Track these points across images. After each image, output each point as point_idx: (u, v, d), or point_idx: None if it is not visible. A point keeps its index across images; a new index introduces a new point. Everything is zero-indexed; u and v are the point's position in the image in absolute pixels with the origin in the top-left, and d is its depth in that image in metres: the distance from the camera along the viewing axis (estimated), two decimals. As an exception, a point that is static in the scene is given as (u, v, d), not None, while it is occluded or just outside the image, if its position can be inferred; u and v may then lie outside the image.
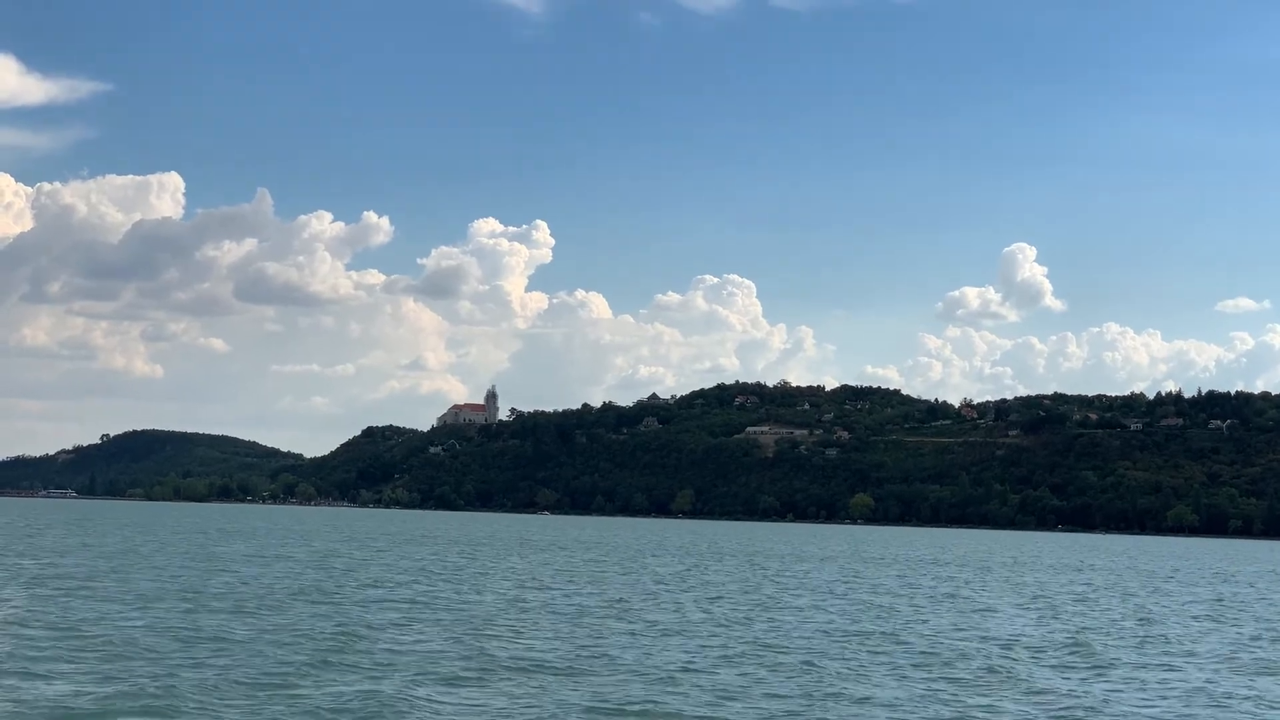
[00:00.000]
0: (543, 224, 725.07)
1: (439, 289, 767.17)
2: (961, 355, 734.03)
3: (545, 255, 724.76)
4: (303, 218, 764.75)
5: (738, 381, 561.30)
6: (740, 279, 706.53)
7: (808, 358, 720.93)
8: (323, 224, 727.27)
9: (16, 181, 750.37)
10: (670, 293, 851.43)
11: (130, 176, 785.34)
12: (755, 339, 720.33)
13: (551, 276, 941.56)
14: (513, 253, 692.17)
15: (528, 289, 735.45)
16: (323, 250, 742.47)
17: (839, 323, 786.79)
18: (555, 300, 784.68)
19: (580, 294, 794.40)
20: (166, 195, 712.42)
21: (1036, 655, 46.31)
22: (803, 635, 49.86)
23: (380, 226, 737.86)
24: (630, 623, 51.94)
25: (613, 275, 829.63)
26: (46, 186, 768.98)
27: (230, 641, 41.35)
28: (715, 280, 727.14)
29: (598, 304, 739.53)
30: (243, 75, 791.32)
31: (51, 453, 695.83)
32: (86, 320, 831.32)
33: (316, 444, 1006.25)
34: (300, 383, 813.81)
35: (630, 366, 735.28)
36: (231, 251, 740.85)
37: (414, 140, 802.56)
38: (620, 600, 63.55)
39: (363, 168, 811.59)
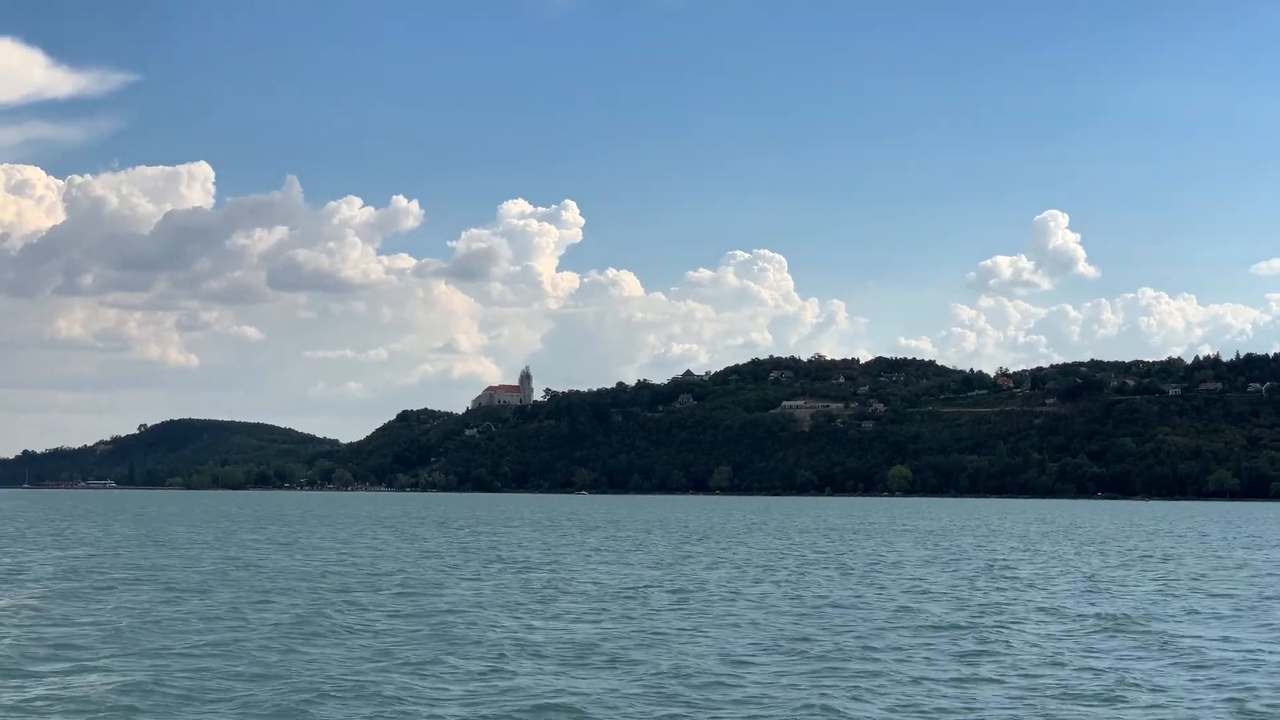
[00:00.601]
0: (572, 204, 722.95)
1: (470, 271, 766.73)
2: (995, 325, 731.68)
3: (575, 235, 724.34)
4: (332, 204, 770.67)
5: (772, 356, 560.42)
6: (771, 254, 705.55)
7: (840, 331, 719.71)
8: (352, 209, 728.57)
9: (47, 175, 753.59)
10: (701, 269, 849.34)
11: (160, 167, 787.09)
12: (787, 314, 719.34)
13: (582, 256, 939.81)
14: (543, 233, 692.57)
15: (558, 269, 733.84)
16: (353, 236, 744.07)
17: (871, 295, 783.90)
18: (586, 280, 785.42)
19: (611, 273, 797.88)
20: (196, 185, 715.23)
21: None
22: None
23: (410, 211, 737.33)
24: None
25: (643, 253, 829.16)
26: (77, 179, 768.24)
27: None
28: (746, 256, 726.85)
29: (629, 282, 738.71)
30: (269, 63, 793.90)
31: (90, 444, 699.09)
32: (120, 311, 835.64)
33: (351, 429, 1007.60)
34: (334, 369, 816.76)
35: (663, 344, 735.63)
36: (262, 239, 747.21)
37: (442, 124, 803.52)
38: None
39: (391, 152, 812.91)
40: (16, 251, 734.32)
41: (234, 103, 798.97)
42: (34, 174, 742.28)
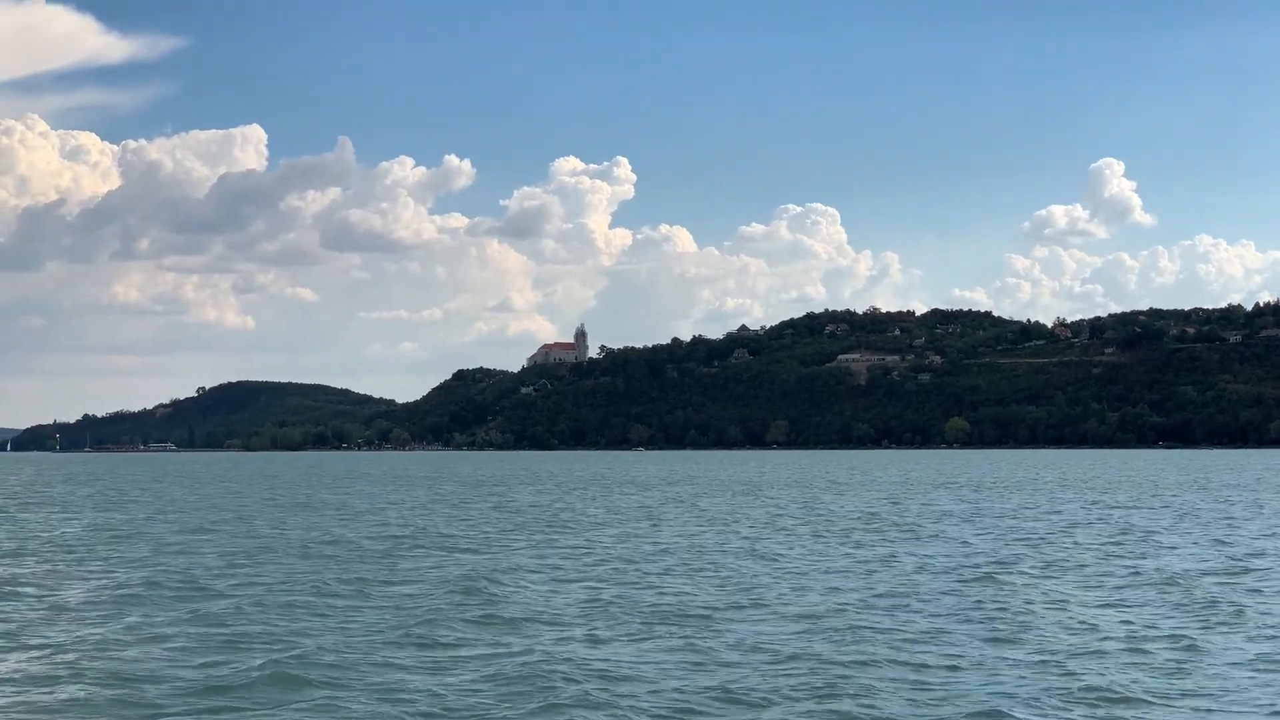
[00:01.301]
0: (624, 160, 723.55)
1: (522, 230, 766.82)
2: (1050, 275, 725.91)
3: (627, 191, 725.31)
4: (385, 164, 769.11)
5: (827, 310, 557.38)
6: (824, 207, 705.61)
7: (894, 283, 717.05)
8: (405, 170, 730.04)
9: (102, 140, 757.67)
10: (754, 224, 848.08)
11: (213, 131, 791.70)
12: (841, 266, 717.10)
13: (634, 212, 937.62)
14: (595, 190, 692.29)
15: (611, 226, 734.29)
16: (405, 196, 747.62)
17: (925, 247, 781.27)
18: (639, 236, 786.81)
19: (664, 229, 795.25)
20: (250, 148, 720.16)
21: None
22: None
23: (462, 170, 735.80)
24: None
25: (695, 209, 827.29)
26: (131, 144, 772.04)
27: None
28: (799, 209, 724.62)
29: (682, 238, 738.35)
30: (319, 24, 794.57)
31: (150, 407, 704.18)
32: (177, 275, 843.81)
33: (407, 389, 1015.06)
34: (388, 329, 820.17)
35: (717, 299, 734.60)
36: (315, 201, 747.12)
37: (492, 81, 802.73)
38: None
39: (442, 111, 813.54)
40: (73, 217, 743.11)
41: (285, 65, 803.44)
42: (89, 140, 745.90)
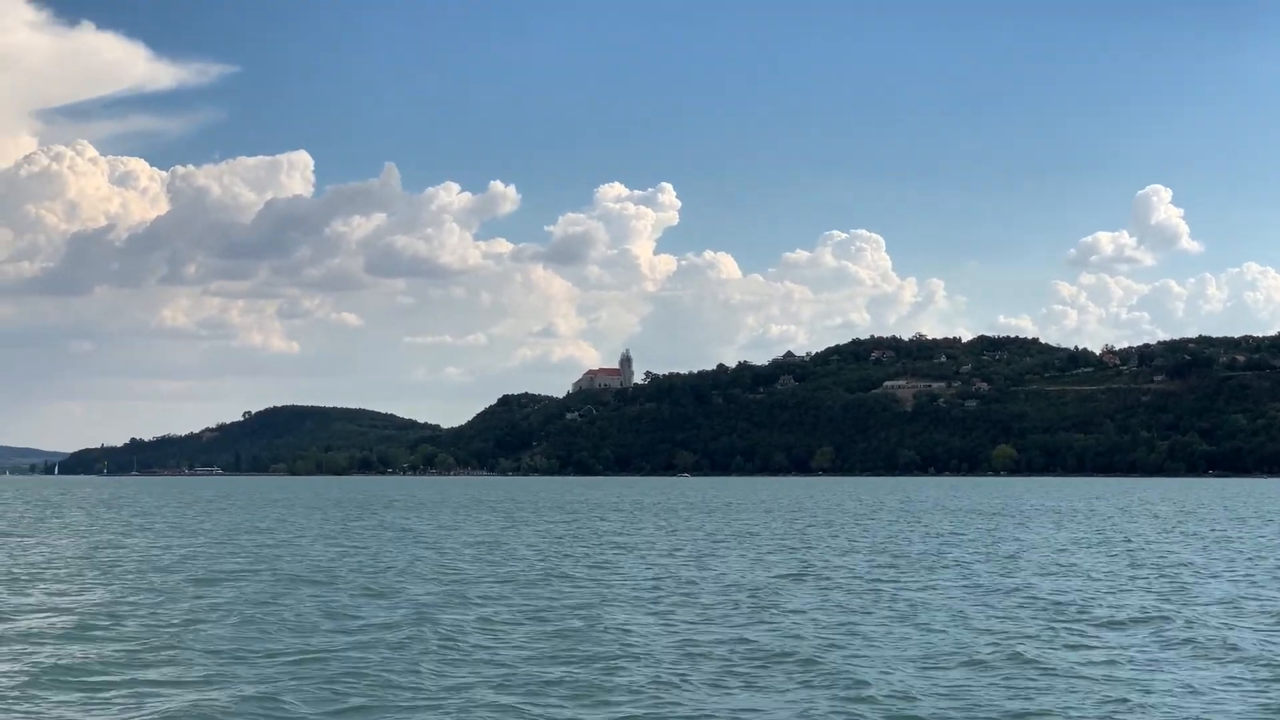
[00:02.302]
0: (668, 186, 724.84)
1: (567, 255, 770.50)
2: (1097, 302, 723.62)
3: (672, 218, 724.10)
4: (430, 190, 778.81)
5: (872, 336, 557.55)
6: (868, 233, 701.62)
7: (939, 310, 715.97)
8: (450, 195, 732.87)
9: (151, 166, 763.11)
10: (799, 250, 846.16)
11: (260, 157, 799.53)
12: (886, 293, 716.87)
13: (679, 238, 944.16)
14: (639, 216, 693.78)
15: (656, 252, 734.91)
16: (450, 221, 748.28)
17: (970, 274, 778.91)
18: (684, 262, 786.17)
19: (709, 254, 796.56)
20: (296, 174, 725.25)
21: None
22: None
23: (507, 195, 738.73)
24: None
25: (740, 235, 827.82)
26: (180, 170, 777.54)
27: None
28: (844, 236, 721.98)
29: (726, 264, 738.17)
30: (366, 52, 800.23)
31: (196, 431, 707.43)
32: (223, 300, 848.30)
33: (452, 414, 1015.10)
34: (433, 354, 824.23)
35: (761, 325, 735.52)
36: (361, 226, 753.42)
37: (538, 108, 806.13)
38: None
39: (488, 138, 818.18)
40: (121, 242, 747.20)
41: (331, 92, 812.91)
42: (138, 165, 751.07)
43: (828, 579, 49.44)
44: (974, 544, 71.84)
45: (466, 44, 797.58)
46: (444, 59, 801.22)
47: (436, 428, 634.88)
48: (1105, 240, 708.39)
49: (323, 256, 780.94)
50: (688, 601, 41.55)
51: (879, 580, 48.86)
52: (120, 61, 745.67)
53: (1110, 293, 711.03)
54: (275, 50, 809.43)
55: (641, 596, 43.07)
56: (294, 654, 30.58)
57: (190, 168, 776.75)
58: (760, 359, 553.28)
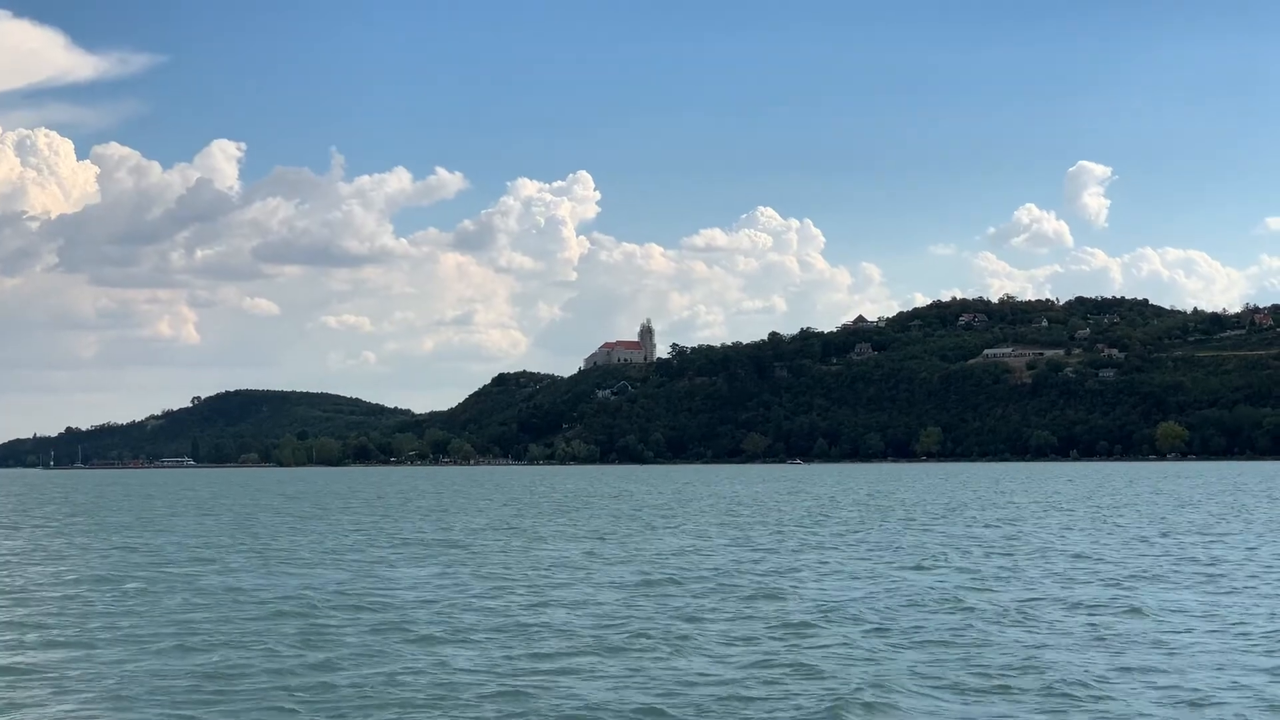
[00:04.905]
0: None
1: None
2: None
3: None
4: (361, 179, 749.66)
5: (955, 298, 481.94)
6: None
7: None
8: (373, 182, 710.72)
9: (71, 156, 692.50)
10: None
11: (184, 145, 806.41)
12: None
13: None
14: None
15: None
16: (368, 208, 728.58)
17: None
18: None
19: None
20: (218, 162, 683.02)
21: None
22: None
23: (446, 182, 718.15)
24: None
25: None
26: (99, 150, 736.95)
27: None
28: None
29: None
30: (297, 40, 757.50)
31: (139, 419, 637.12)
32: (134, 290, 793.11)
33: (429, 400, 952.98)
34: (354, 339, 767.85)
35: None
36: (279, 211, 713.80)
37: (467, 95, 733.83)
38: None
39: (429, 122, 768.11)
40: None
41: (257, 83, 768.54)
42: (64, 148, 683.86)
43: None
44: None
45: (410, 24, 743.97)
46: (378, 46, 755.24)
47: (409, 412, 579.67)
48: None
49: (248, 242, 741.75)
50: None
51: None
52: (36, 50, 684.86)
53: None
54: (202, 40, 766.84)
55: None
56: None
57: (111, 148, 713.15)
58: (830, 325, 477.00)
